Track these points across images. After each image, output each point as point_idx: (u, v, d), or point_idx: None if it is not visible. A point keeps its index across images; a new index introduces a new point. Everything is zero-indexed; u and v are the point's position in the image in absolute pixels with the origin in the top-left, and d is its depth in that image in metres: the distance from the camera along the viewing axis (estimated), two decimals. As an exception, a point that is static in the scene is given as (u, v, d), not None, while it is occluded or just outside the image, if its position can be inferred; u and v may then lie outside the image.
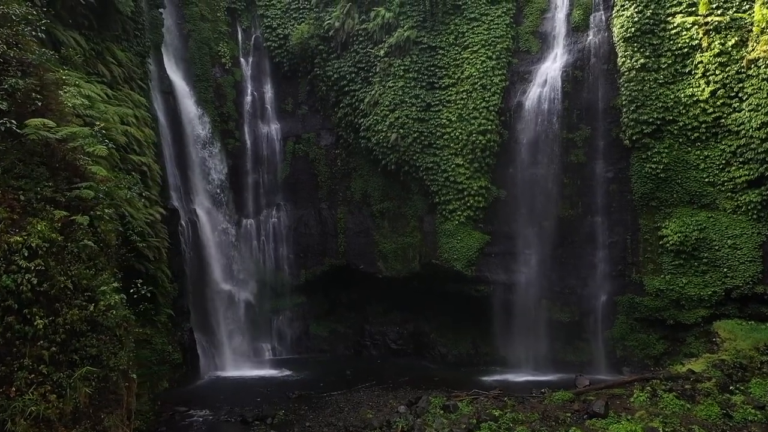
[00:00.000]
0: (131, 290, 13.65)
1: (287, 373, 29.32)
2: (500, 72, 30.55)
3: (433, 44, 31.64)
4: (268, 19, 35.19)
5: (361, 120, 32.52)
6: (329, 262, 34.16)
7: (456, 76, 31.19)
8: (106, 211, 12.09)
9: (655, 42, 27.50)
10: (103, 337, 11.03)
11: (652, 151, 27.44)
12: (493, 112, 30.11)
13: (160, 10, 30.41)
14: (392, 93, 31.55)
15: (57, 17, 20.13)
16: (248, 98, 35.05)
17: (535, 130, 29.54)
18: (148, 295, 13.38)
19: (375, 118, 31.83)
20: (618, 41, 28.25)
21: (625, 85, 27.88)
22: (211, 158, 31.97)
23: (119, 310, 11.66)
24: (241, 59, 35.27)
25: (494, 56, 30.63)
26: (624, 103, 27.91)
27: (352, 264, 33.68)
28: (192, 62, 32.59)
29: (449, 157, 30.51)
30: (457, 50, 31.39)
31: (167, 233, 25.60)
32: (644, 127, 27.44)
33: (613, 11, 28.69)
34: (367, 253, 33.28)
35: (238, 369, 29.52)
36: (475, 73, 30.64)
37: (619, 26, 28.19)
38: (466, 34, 31.30)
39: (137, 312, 20.87)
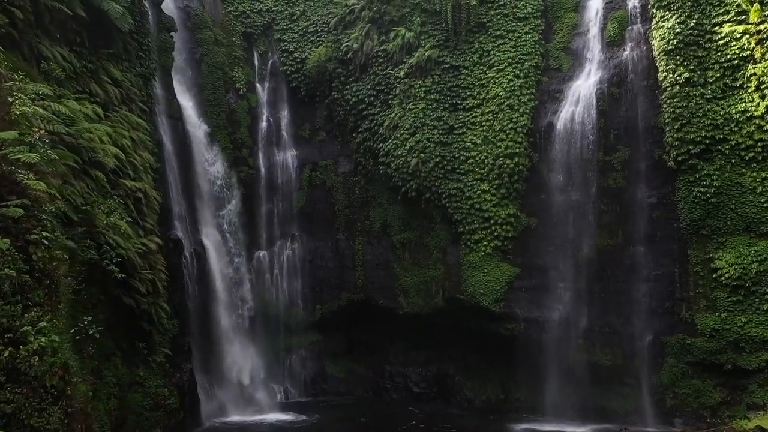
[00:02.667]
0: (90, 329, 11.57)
1: (298, 418, 26.91)
2: (528, 91, 28.43)
3: (456, 64, 29.78)
4: (285, 43, 33.87)
5: (380, 145, 30.61)
6: (347, 296, 31.88)
7: (481, 97, 29.18)
8: (45, 234, 10.08)
9: (700, 54, 24.99)
10: (23, 389, 8.87)
11: (701, 173, 24.66)
12: (521, 134, 27.90)
13: (171, 33, 29.29)
14: (413, 115, 29.64)
15: (45, 32, 18.81)
16: (263, 124, 33.54)
17: (568, 153, 27.17)
18: (97, 335, 11.26)
19: (394, 142, 29.87)
20: (658, 55, 25.86)
21: (668, 101, 25.35)
22: (221, 186, 30.28)
23: (54, 355, 9.50)
24: (257, 84, 33.90)
25: (522, 74, 28.59)
26: (667, 121, 25.34)
27: (371, 299, 31.37)
28: (204, 87, 31.29)
29: (474, 182, 28.31)
30: (482, 69, 29.46)
31: (166, 265, 23.77)
32: (691, 147, 24.73)
33: (652, 23, 26.37)
34: (387, 287, 30.98)
35: (244, 414, 27.21)
36: (501, 93, 28.57)
37: (659, 38, 25.84)
38: (492, 52, 29.39)
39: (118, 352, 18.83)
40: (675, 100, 25.16)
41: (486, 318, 28.32)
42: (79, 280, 15.96)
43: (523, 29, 29.28)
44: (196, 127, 29.68)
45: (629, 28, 27.37)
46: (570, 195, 27.10)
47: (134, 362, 21.27)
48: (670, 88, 25.35)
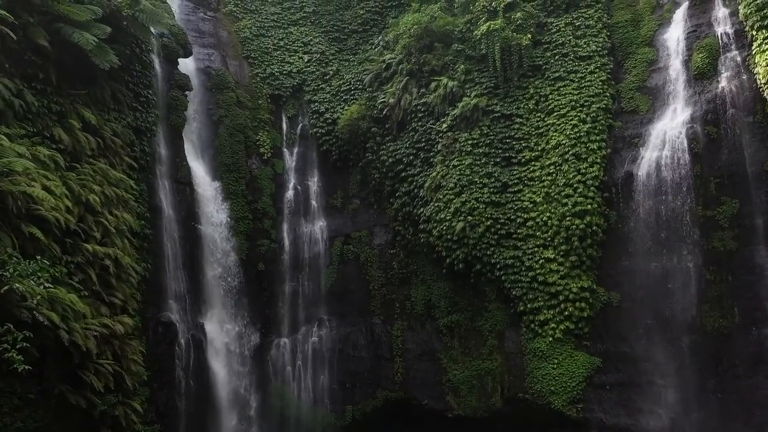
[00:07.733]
0: None
1: None
2: (598, 137, 23.69)
3: (508, 112, 25.53)
4: (316, 104, 30.43)
5: (421, 209, 25.94)
6: (383, 395, 26.09)
7: (539, 148, 24.54)
8: None
9: (823, 76, 19.49)
10: None
11: None
12: (592, 188, 22.82)
13: (186, 92, 26.39)
14: (458, 173, 25.04)
15: (-9, 61, 15.57)
16: (290, 192, 29.49)
17: (656, 207, 21.80)
18: None
19: (437, 205, 25.13)
20: (766, 83, 20.53)
21: (787, 137, 19.72)
22: (235, 262, 25.93)
23: None
24: (285, 149, 30.24)
25: (589, 119, 24.03)
26: (788, 162, 19.58)
27: (412, 398, 25.56)
28: (221, 151, 27.77)
29: (535, 249, 23.21)
30: (540, 116, 25.07)
31: (152, 355, 19.35)
32: (827, 193, 18.73)
33: (753, 47, 21.46)
34: (433, 383, 25.24)
35: None
36: (564, 141, 23.80)
37: (764, 64, 20.70)
38: (550, 96, 25.08)
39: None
40: (795, 135, 19.55)
41: (559, 425, 22.27)
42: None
43: (586, 69, 25.09)
44: (207, 193, 25.93)
45: (722, 57, 22.55)
46: (662, 261, 21.34)
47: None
48: (787, 120, 19.82)
